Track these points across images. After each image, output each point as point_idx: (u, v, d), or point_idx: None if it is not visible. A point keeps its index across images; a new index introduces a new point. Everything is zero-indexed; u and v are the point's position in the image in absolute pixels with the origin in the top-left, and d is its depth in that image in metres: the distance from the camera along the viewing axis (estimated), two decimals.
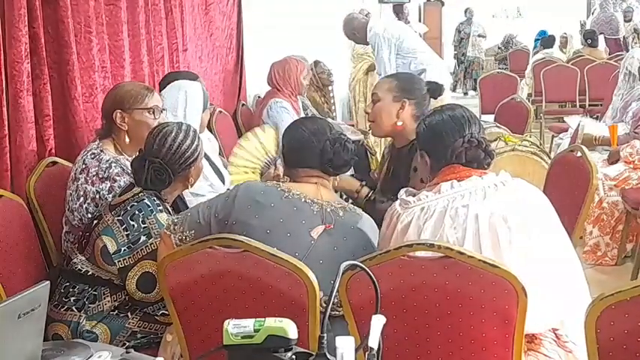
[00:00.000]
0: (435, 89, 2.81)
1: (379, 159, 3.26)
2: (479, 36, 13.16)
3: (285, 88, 4.34)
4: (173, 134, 2.32)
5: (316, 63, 6.04)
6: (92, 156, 2.58)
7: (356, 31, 5.18)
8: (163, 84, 3.41)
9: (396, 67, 4.97)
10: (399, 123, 2.68)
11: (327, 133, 2.16)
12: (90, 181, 2.53)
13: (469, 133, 2.02)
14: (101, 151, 2.60)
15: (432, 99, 2.81)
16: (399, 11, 9.29)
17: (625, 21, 11.66)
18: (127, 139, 2.63)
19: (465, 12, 13.71)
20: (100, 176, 2.53)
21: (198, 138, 2.39)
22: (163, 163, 2.28)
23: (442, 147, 2.02)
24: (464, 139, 2.00)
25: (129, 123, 2.62)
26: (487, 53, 13.65)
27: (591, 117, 6.57)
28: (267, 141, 3.61)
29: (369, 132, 3.34)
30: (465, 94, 13.22)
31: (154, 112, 2.64)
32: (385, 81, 2.84)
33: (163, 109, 2.71)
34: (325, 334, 1.25)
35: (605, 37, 10.14)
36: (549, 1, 14.39)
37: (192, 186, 2.45)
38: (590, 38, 9.19)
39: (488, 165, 2.04)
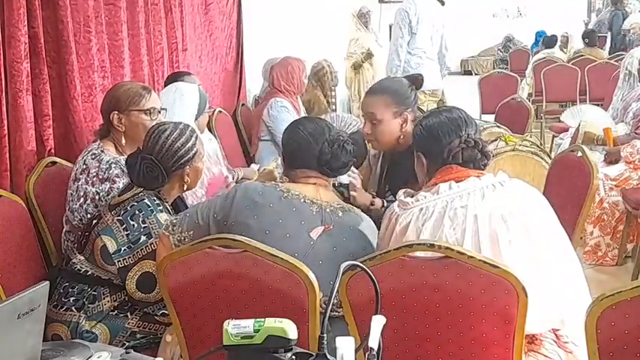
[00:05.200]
0: (416, 81, 2.71)
1: None
2: None
3: (288, 89, 4.34)
4: (167, 132, 2.31)
5: (329, 64, 5.96)
6: (93, 156, 2.58)
7: None
8: (167, 83, 3.42)
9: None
10: (402, 137, 2.59)
11: (326, 135, 2.15)
12: (90, 182, 2.53)
13: (466, 133, 2.02)
14: (102, 151, 2.60)
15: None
16: None
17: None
18: (124, 140, 2.63)
19: None
20: (100, 177, 2.53)
21: (196, 138, 2.37)
22: (156, 160, 2.27)
23: (439, 147, 2.02)
24: (460, 139, 2.00)
25: (125, 124, 2.62)
26: (487, 53, 13.57)
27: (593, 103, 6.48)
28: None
29: None
30: None
31: (150, 114, 2.64)
32: (378, 99, 2.63)
33: (162, 109, 2.71)
34: (325, 335, 1.25)
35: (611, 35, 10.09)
36: (550, 1, 14.37)
37: (188, 186, 2.41)
38: (587, 38, 9.17)
39: (485, 166, 2.04)
